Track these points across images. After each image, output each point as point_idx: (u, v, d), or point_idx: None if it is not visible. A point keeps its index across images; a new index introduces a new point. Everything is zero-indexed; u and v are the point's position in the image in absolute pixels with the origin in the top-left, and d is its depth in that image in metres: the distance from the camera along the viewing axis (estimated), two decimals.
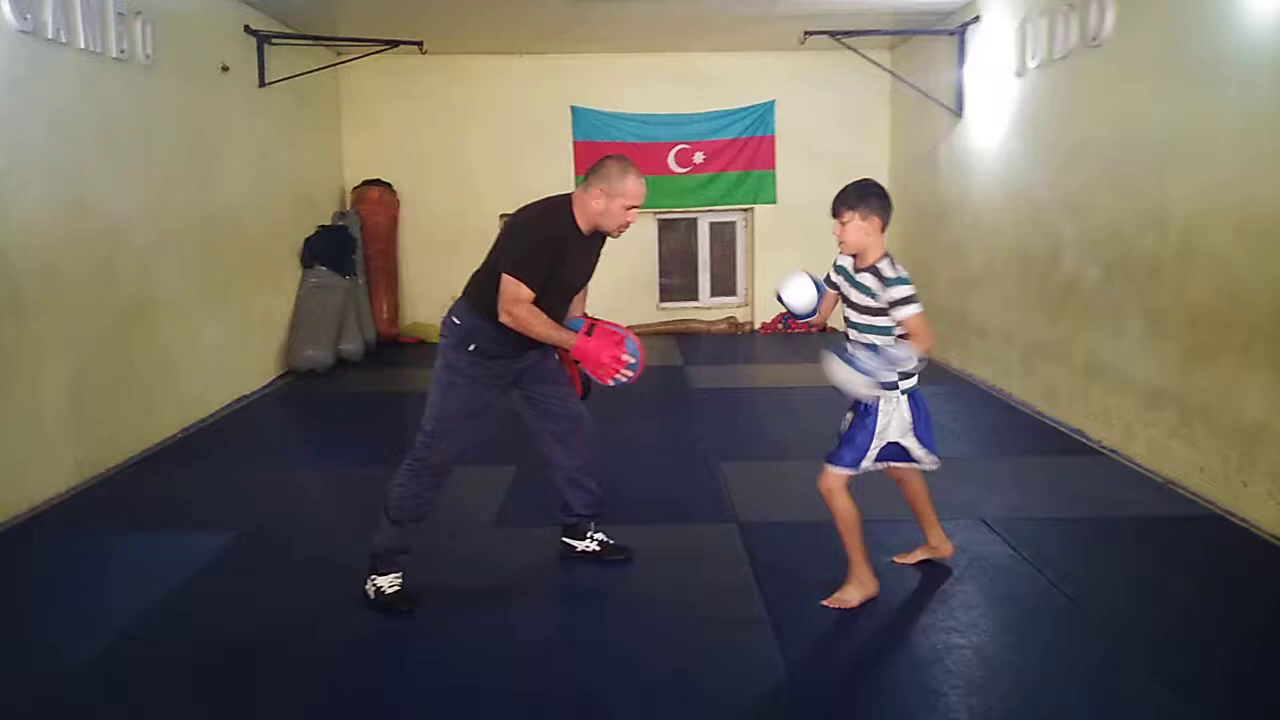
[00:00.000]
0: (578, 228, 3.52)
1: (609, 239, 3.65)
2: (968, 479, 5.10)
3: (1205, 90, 4.68)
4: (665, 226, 10.77)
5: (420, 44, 8.51)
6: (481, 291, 3.53)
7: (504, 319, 3.40)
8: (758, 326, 10.58)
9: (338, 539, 4.25)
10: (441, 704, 2.94)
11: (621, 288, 10.52)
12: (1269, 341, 4.22)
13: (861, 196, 3.41)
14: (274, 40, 7.81)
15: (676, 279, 10.93)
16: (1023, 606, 3.56)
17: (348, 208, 9.63)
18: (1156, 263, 5.07)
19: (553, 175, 9.91)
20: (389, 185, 9.69)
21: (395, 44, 8.49)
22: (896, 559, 3.92)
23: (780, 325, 10.47)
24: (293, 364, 8.09)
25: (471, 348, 3.52)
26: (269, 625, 3.47)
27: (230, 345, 7.06)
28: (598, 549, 3.99)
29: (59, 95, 5.04)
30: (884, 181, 10.22)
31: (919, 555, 3.92)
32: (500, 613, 3.59)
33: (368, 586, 3.60)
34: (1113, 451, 5.46)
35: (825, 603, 3.52)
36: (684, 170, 10.17)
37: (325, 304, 8.33)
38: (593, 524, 4.00)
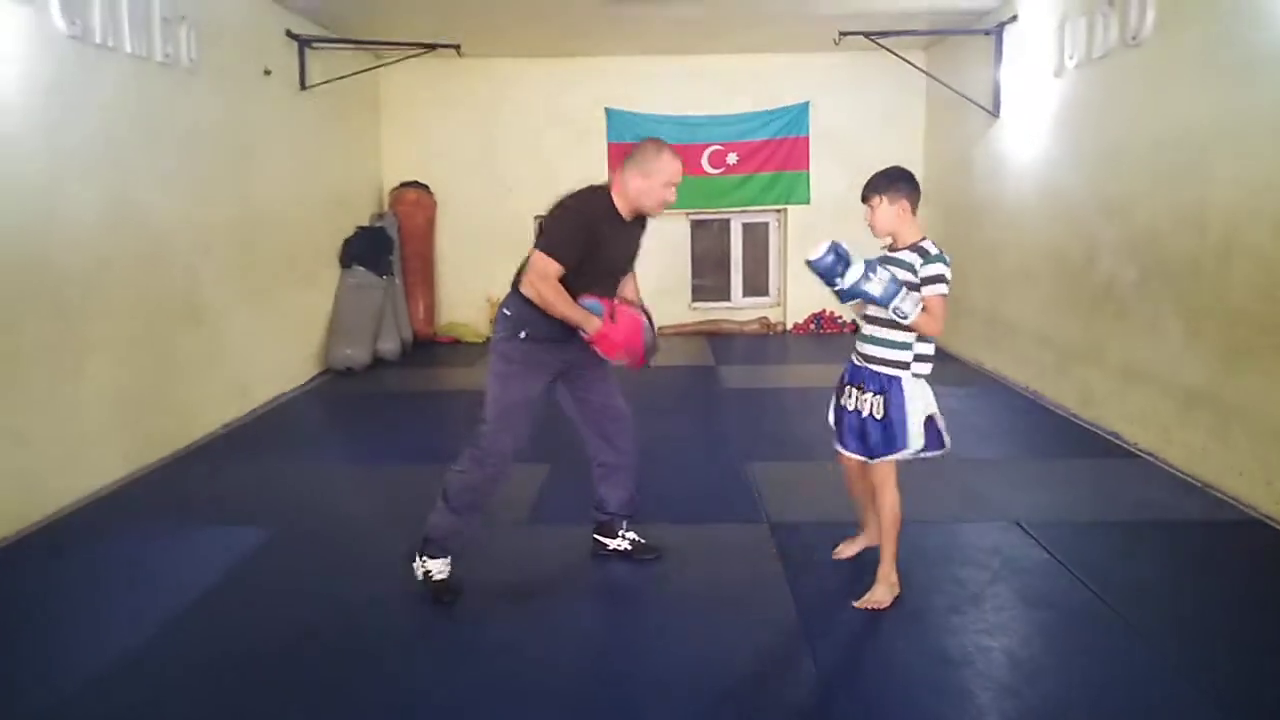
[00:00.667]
0: (616, 211, 3.58)
1: (648, 227, 3.73)
2: (1001, 481, 5.08)
3: (1246, 89, 4.63)
4: (698, 227, 10.79)
5: (457, 47, 8.60)
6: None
7: (525, 289, 3.48)
8: (790, 327, 10.56)
9: (374, 535, 4.32)
10: (474, 699, 2.98)
11: (654, 288, 10.56)
12: None
13: (889, 181, 3.49)
14: (315, 44, 7.94)
15: (709, 279, 10.94)
16: (1056, 610, 3.54)
17: (385, 209, 9.74)
18: (1196, 263, 5.02)
19: (586, 176, 9.84)
20: (426, 187, 9.80)
21: (433, 47, 8.59)
22: (836, 553, 3.96)
23: (813, 325, 10.45)
24: (331, 363, 8.21)
25: (523, 335, 3.58)
26: (307, 620, 3.54)
27: (270, 344, 7.18)
28: (629, 547, 4.02)
29: (106, 99, 5.16)
30: (918, 182, 10.24)
31: (860, 545, 3.95)
32: (534, 610, 3.62)
33: (416, 565, 3.67)
34: (1149, 455, 5.41)
35: (857, 604, 3.53)
36: (717, 171, 10.18)
37: (363, 304, 8.44)
38: (625, 523, 4.04)
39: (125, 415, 5.26)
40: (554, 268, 3.42)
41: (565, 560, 4.09)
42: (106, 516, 4.70)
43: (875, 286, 3.27)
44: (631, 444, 3.92)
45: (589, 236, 3.47)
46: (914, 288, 3.40)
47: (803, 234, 10.38)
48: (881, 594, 3.54)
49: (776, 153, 10.19)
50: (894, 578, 3.58)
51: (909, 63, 8.95)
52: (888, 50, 8.58)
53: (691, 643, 3.34)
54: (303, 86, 7.81)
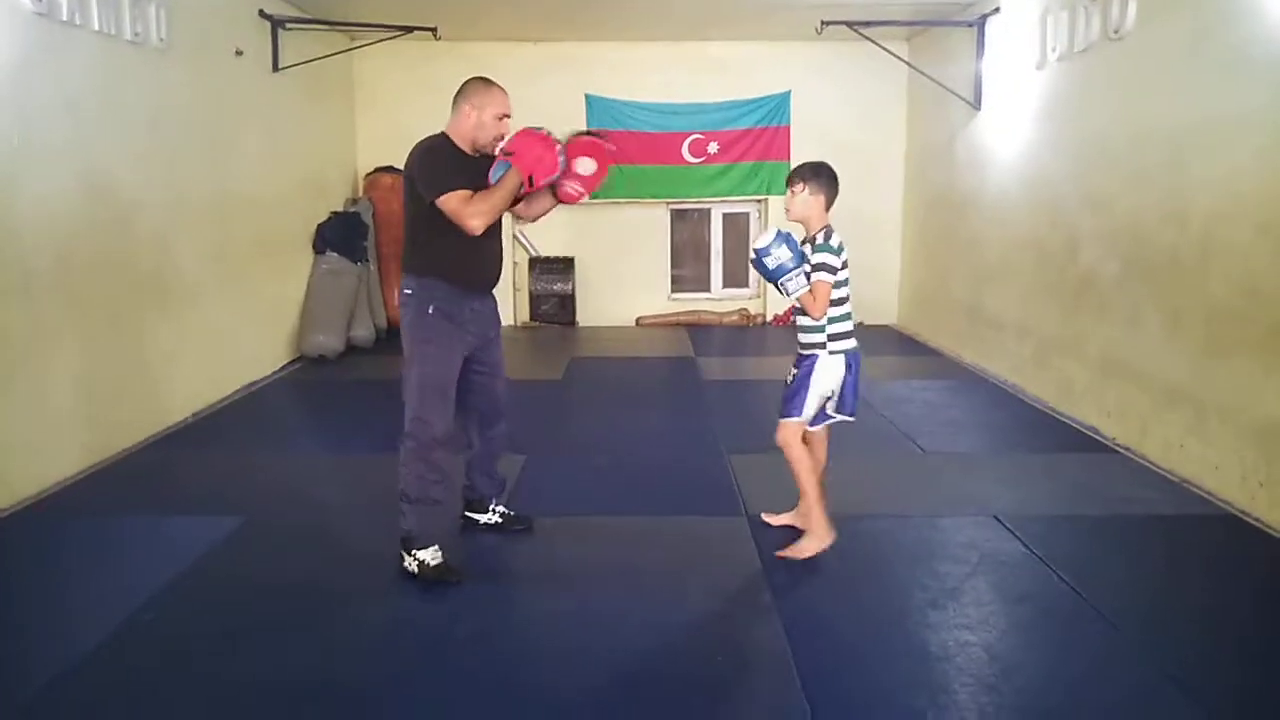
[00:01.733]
0: (460, 150, 3.71)
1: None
2: (980, 475, 5.07)
3: (1228, 84, 4.62)
4: (678, 217, 10.72)
5: (434, 30, 8.48)
6: (417, 254, 3.69)
7: (473, 225, 3.53)
8: (770, 319, 10.53)
9: (347, 524, 4.25)
10: (449, 690, 2.92)
11: (633, 278, 10.52)
12: None
13: (815, 174, 3.84)
14: (288, 25, 7.79)
15: (688, 270, 10.89)
16: (1034, 604, 3.53)
17: (360, 194, 9.61)
18: (1176, 258, 5.02)
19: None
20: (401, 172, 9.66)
21: (409, 30, 8.45)
22: (765, 516, 4.25)
23: (793, 317, 10.42)
24: (304, 350, 8.09)
25: (431, 309, 3.63)
26: (275, 610, 3.47)
27: (241, 330, 7.05)
28: (499, 520, 4.17)
29: (73, 76, 5.03)
30: (899, 174, 10.32)
31: (785, 519, 4.17)
32: (510, 603, 3.58)
33: (408, 564, 3.67)
34: (1127, 449, 5.41)
35: (780, 554, 3.83)
36: (698, 160, 10.12)
37: (337, 290, 8.32)
38: (493, 500, 4.18)
39: (92, 402, 5.14)
40: (460, 195, 3.53)
41: (540, 551, 4.04)
42: (73, 505, 4.59)
43: (772, 261, 3.67)
44: (501, 445, 4.11)
45: (457, 167, 3.61)
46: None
47: (783, 225, 10.34)
48: (807, 544, 3.84)
49: (758, 142, 10.14)
50: (822, 529, 3.84)
51: (891, 53, 8.91)
52: (870, 40, 8.54)
53: (668, 634, 3.29)
54: (275, 68, 7.67)
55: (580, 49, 9.91)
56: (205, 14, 6.50)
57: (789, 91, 10.03)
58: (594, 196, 8.79)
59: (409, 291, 3.68)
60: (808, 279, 3.73)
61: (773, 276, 3.74)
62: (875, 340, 9.53)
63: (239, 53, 7.01)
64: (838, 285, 3.77)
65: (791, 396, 3.90)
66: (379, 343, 8.86)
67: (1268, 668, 3.10)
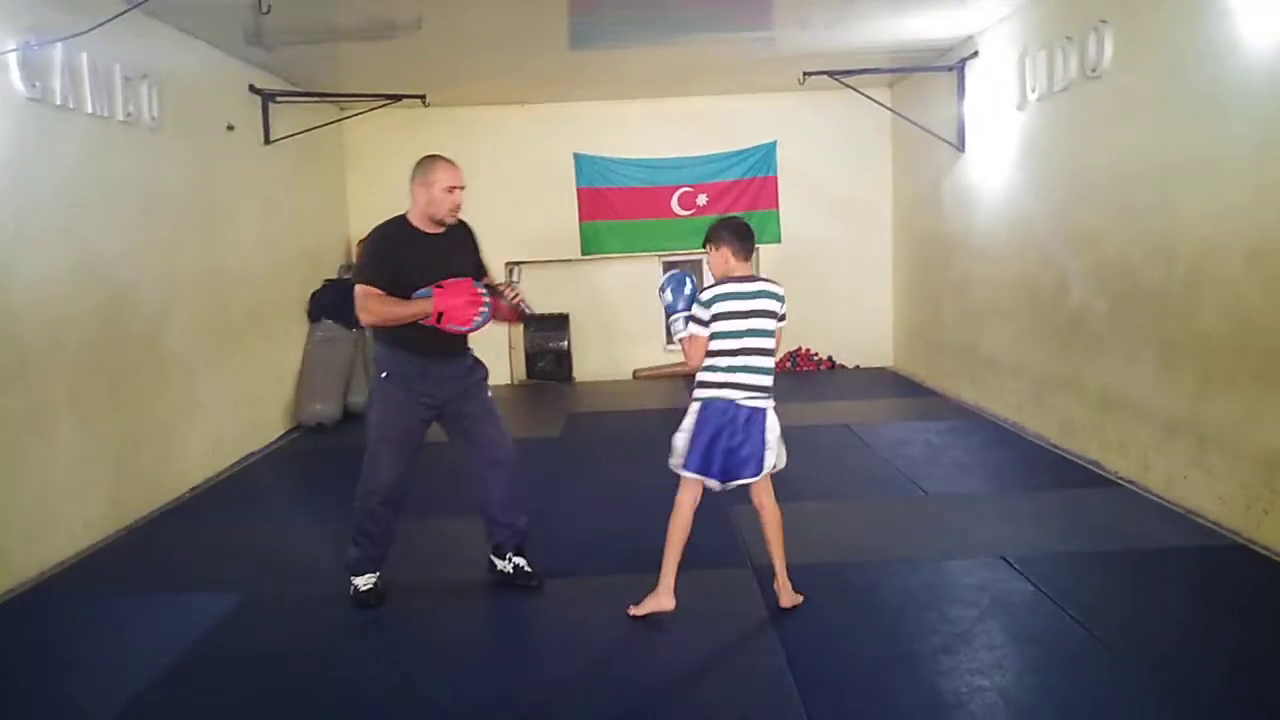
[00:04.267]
0: (414, 228, 3.98)
1: (473, 234, 4.19)
2: (986, 516, 5.04)
3: (1208, 119, 4.69)
4: (670, 269, 10.77)
5: (423, 97, 8.60)
6: (376, 328, 3.99)
7: (362, 318, 3.87)
8: None
9: (346, 598, 4.19)
10: None
11: (628, 331, 10.55)
12: None
13: (715, 232, 3.84)
14: (278, 98, 7.90)
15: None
16: (1047, 645, 3.49)
17: (354, 261, 9.66)
18: (1166, 291, 5.04)
19: (557, 222, 9.97)
20: None
21: (398, 98, 8.57)
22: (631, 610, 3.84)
23: (789, 364, 10.44)
24: (301, 419, 8.07)
25: (384, 375, 4.00)
26: (277, 688, 3.42)
27: (238, 402, 7.05)
28: (511, 572, 4.24)
29: (67, 160, 5.09)
30: (887, 217, 10.40)
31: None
32: (514, 659, 3.55)
33: (350, 591, 4.09)
34: (1130, 483, 5.39)
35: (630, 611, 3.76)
36: (688, 213, 10.20)
37: (332, 358, 8.33)
38: (509, 552, 4.25)
39: (90, 480, 5.12)
40: (367, 290, 3.83)
41: (541, 609, 4.02)
42: (75, 585, 4.55)
43: (662, 301, 3.79)
44: (505, 484, 4.18)
45: (389, 257, 3.88)
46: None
47: (775, 272, 10.39)
48: (646, 601, 3.76)
49: (746, 192, 10.23)
50: (663, 591, 3.75)
51: (874, 100, 9.04)
52: (852, 89, 8.67)
53: (678, 692, 3.25)
54: (267, 140, 7.77)
55: (567, 109, 10.04)
56: (196, 92, 6.60)
57: (775, 142, 10.15)
58: (587, 252, 8.88)
59: (374, 358, 4.10)
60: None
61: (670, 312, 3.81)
62: (872, 383, 9.56)
63: (230, 128, 7.09)
64: (718, 336, 3.67)
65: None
66: None
67: None
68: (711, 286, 3.71)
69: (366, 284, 3.84)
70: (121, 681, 3.46)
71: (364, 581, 4.08)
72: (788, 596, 3.85)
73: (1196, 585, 4.04)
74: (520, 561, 4.24)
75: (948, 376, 8.61)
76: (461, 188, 4.00)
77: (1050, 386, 6.49)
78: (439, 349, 3.97)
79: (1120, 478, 5.50)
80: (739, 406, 3.68)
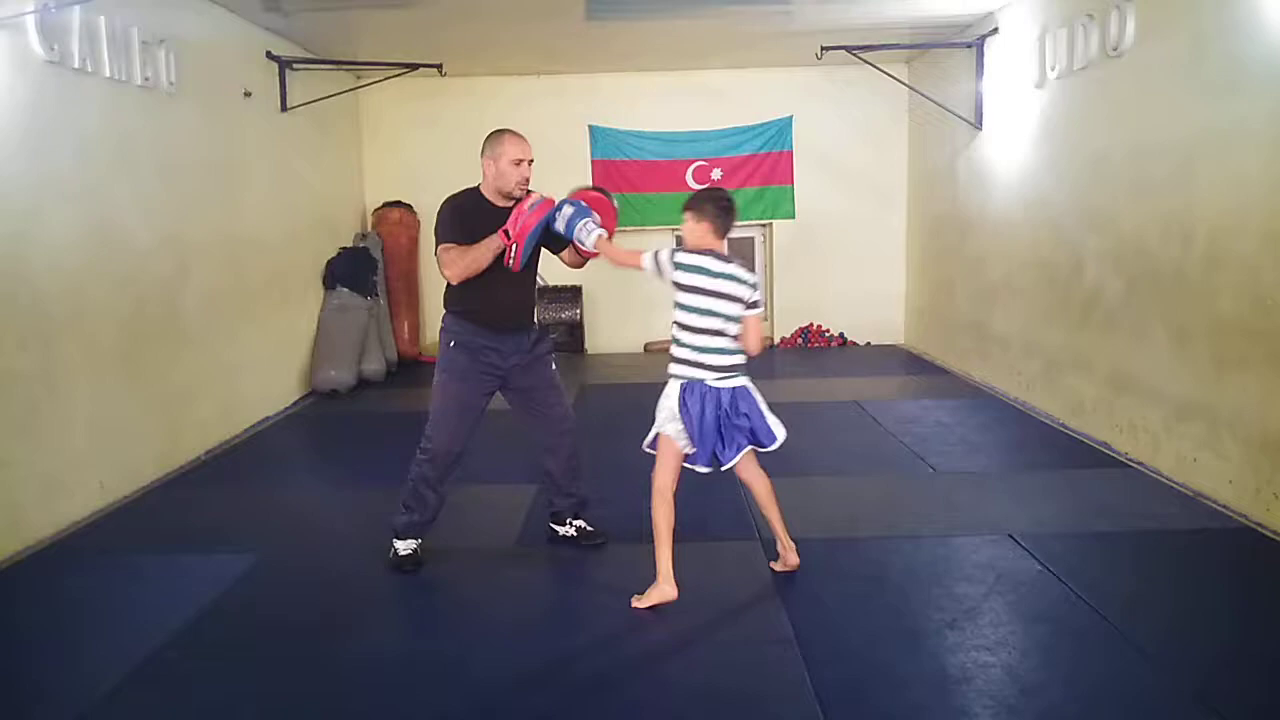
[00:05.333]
0: (485, 200, 4.04)
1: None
2: (993, 494, 5.06)
3: (1228, 99, 4.65)
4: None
5: (439, 66, 8.58)
6: (447, 294, 4.11)
7: (446, 274, 3.92)
8: (777, 341, 10.55)
9: (360, 560, 4.25)
10: None
11: (640, 304, 10.55)
12: None
13: (697, 201, 3.76)
14: (295, 65, 7.90)
15: None
16: (1052, 623, 3.52)
17: (369, 229, 9.69)
18: (1182, 272, 5.03)
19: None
20: (409, 206, 9.74)
21: (415, 67, 8.56)
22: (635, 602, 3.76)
23: (800, 339, 10.44)
24: (315, 385, 8.13)
25: (451, 344, 4.05)
26: (293, 648, 3.48)
27: (253, 367, 7.10)
28: (575, 534, 4.37)
29: (85, 123, 5.11)
30: (902, 194, 10.37)
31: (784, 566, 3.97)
32: (525, 631, 3.58)
33: (389, 553, 4.14)
34: (1140, 464, 5.40)
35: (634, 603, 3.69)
36: (702, 187, 10.16)
37: (347, 325, 8.38)
38: (570, 516, 4.37)
39: (108, 442, 5.19)
40: (445, 247, 3.90)
41: (556, 580, 4.07)
42: (89, 546, 4.61)
43: (560, 222, 3.82)
44: (569, 455, 4.27)
45: (464, 221, 3.92)
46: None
47: (789, 248, 10.40)
48: (649, 593, 3.68)
49: (761, 167, 10.20)
50: (664, 580, 3.68)
51: (891, 76, 8.98)
52: (869, 64, 8.61)
53: (685, 661, 3.30)
54: (284, 108, 7.77)
55: (583, 80, 10.01)
56: (214, 57, 6.60)
57: (791, 117, 10.10)
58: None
59: (442, 326, 4.15)
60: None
61: (569, 233, 3.82)
62: (883, 360, 9.56)
63: (248, 94, 7.10)
64: (683, 308, 3.64)
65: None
66: (390, 376, 8.91)
67: None
68: (688, 252, 3.67)
69: (445, 243, 3.91)
70: (139, 640, 3.51)
71: (405, 546, 4.13)
72: (793, 555, 3.93)
73: (1204, 567, 4.06)
74: (580, 523, 4.38)
75: (959, 355, 8.60)
76: (530, 160, 4.01)
77: (1062, 366, 6.49)
78: (503, 322, 4.05)
79: (1130, 459, 5.51)
80: (718, 389, 3.64)
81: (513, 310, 4.10)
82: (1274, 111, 4.33)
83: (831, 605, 3.68)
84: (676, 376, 3.68)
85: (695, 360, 3.64)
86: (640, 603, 3.68)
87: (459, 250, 3.88)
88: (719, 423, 3.66)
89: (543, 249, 4.12)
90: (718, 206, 3.71)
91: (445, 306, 4.14)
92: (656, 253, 3.69)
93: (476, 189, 4.09)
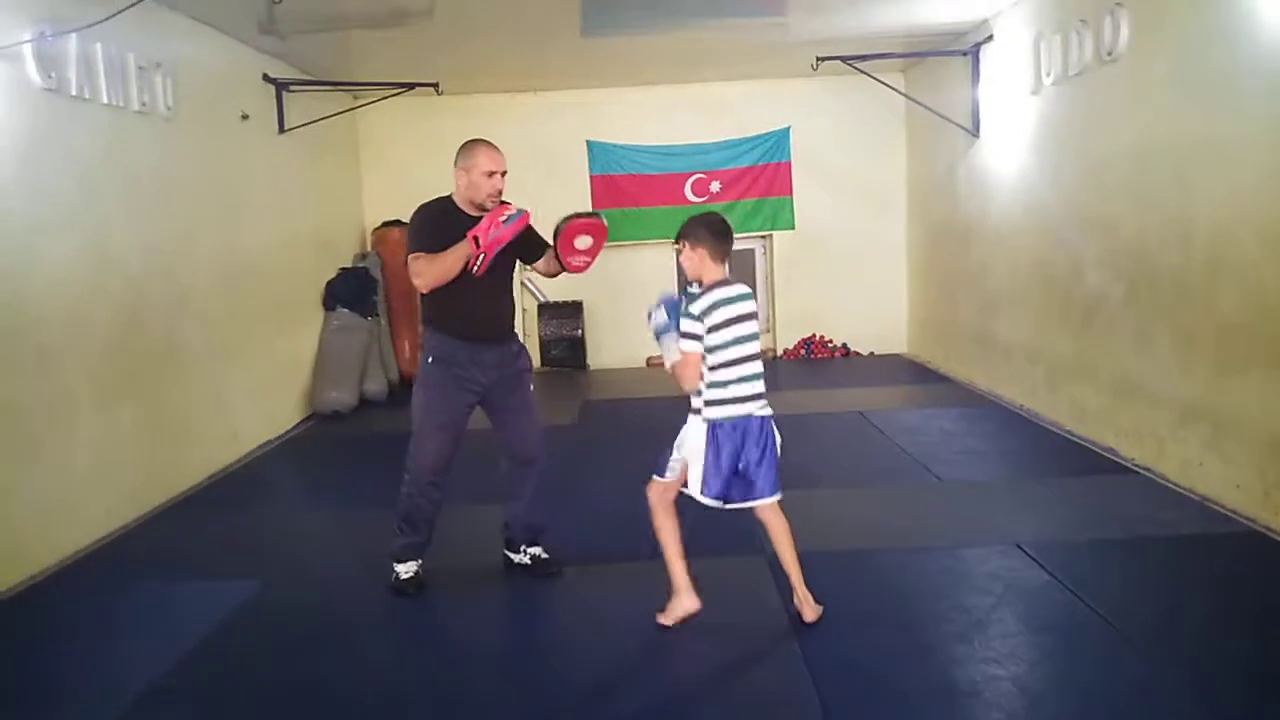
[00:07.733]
0: (458, 208, 3.98)
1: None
2: (999, 502, 5.04)
3: (1225, 102, 4.64)
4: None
5: (436, 85, 8.59)
6: (423, 308, 4.07)
7: (416, 283, 3.89)
8: (780, 353, 10.53)
9: (364, 584, 4.23)
10: None
11: (641, 319, 10.52)
12: None
13: (692, 228, 3.63)
14: (292, 87, 7.92)
15: None
16: (1062, 633, 3.49)
17: (368, 249, 9.69)
18: (1182, 277, 5.01)
19: (569, 209, 9.91)
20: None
21: (411, 86, 8.57)
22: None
23: (803, 351, 10.42)
24: (317, 407, 8.12)
25: (430, 359, 4.01)
26: (297, 675, 3.46)
27: (255, 390, 7.09)
28: (529, 563, 4.27)
29: (83, 150, 5.12)
30: (902, 203, 10.35)
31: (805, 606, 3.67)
32: (531, 648, 3.57)
33: (392, 577, 4.09)
34: (1145, 469, 5.37)
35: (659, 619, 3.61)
36: (701, 199, 10.18)
37: (348, 346, 8.37)
38: (523, 544, 4.29)
39: (109, 468, 5.17)
40: (415, 255, 3.86)
41: (558, 596, 4.05)
42: (92, 574, 4.59)
43: (651, 325, 3.54)
44: (530, 487, 4.18)
45: (435, 230, 3.87)
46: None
47: (789, 259, 10.39)
48: (670, 608, 3.61)
49: (760, 179, 10.21)
50: (682, 593, 3.59)
51: (887, 85, 8.99)
52: (865, 74, 8.62)
53: (693, 677, 3.27)
54: (281, 129, 7.79)
55: (580, 96, 10.02)
56: (211, 81, 6.62)
57: (788, 127, 10.12)
58: None
59: (422, 344, 4.10)
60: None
61: (657, 338, 3.55)
62: (886, 369, 9.53)
63: (245, 117, 7.12)
64: (716, 349, 3.45)
65: (660, 453, 3.65)
66: (392, 396, 8.89)
67: None
68: (699, 296, 3.47)
69: (414, 253, 3.88)
70: (142, 667, 3.49)
71: (406, 569, 4.09)
72: (810, 610, 3.65)
73: (1212, 572, 4.03)
74: (535, 551, 4.28)
75: (962, 363, 8.58)
76: (503, 172, 3.98)
77: (1065, 372, 6.47)
78: (485, 332, 4.01)
79: (1135, 464, 5.48)
80: (751, 418, 3.49)
81: (491, 322, 4.05)
82: (1271, 112, 4.32)
83: (839, 619, 3.65)
84: (708, 420, 3.49)
85: (733, 396, 3.46)
86: (665, 619, 3.61)
87: (428, 259, 3.84)
88: (740, 467, 3.50)
89: (517, 260, 4.09)
90: (712, 230, 3.57)
91: (423, 322, 4.11)
92: (680, 335, 3.45)
93: (449, 198, 4.04)
